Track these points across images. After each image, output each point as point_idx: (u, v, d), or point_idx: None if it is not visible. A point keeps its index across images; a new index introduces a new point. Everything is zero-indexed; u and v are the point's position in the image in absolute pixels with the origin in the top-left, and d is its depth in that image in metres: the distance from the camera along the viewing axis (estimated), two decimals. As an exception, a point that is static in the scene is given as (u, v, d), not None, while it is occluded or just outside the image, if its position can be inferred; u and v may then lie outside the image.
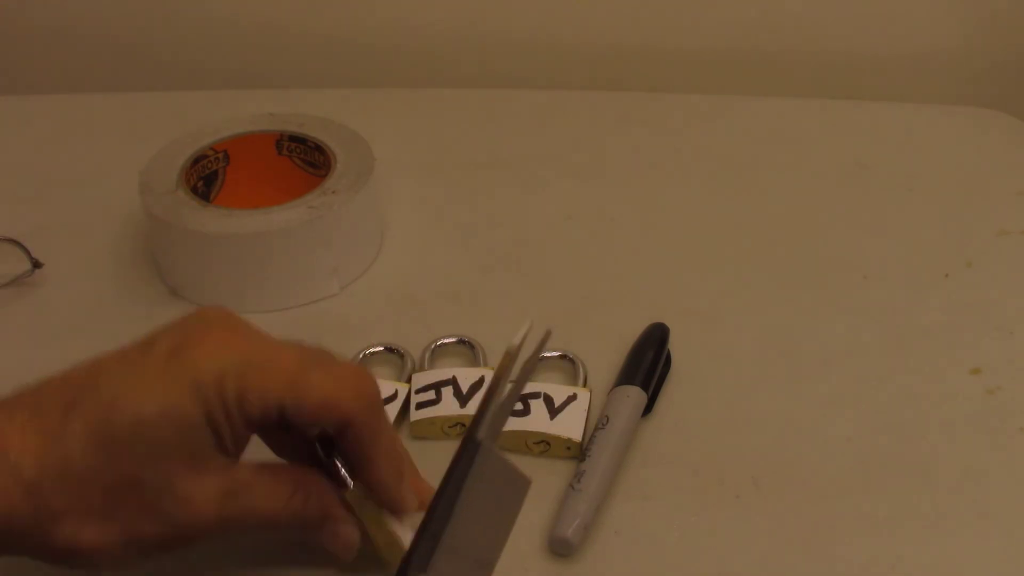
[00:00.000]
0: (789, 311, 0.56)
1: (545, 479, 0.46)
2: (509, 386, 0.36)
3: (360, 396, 0.38)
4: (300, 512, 0.38)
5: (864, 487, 0.46)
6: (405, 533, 0.39)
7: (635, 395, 0.48)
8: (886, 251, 0.61)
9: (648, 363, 0.50)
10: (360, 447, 0.38)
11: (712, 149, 0.71)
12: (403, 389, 0.49)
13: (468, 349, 0.53)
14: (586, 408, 0.48)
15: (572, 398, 0.48)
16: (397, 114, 0.75)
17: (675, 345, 0.52)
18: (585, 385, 0.50)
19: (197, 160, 0.59)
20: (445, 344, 0.53)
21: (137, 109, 0.77)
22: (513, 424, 0.47)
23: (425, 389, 0.49)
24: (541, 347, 0.37)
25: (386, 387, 0.49)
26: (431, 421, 0.48)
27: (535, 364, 0.37)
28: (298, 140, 0.61)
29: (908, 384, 0.51)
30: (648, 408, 0.49)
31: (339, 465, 0.39)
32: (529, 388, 0.49)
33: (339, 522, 0.39)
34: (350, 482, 0.39)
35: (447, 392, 0.49)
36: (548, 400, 0.48)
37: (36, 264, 0.57)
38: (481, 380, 0.49)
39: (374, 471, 0.38)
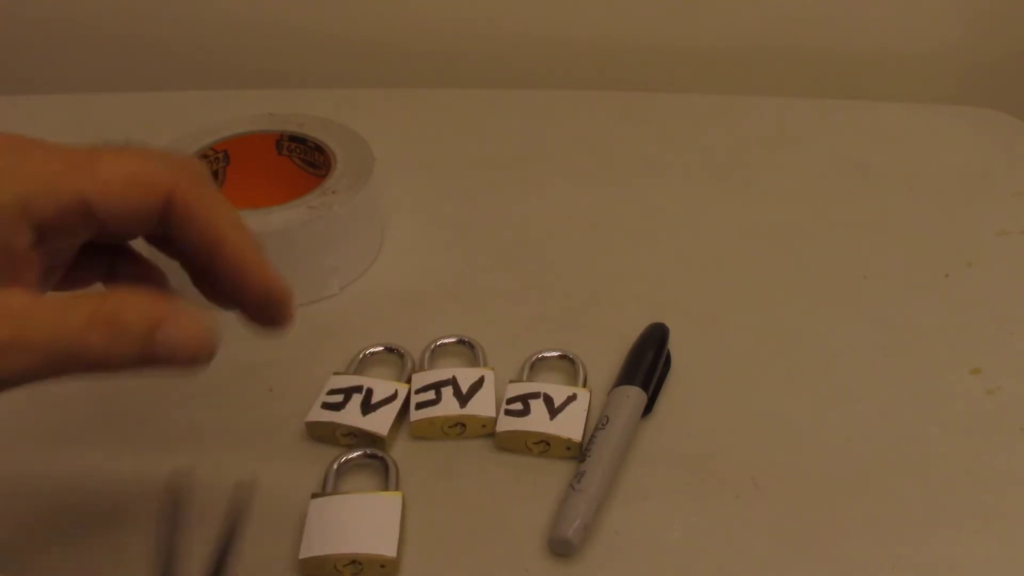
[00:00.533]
0: (789, 311, 0.56)
1: (545, 479, 0.46)
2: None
3: (173, 163, 0.32)
4: (111, 333, 0.29)
5: (864, 487, 0.46)
6: None
7: (635, 395, 0.48)
8: (886, 251, 0.61)
9: (648, 363, 0.50)
10: (197, 226, 0.32)
11: (712, 149, 0.71)
12: (403, 389, 0.49)
13: (468, 349, 0.53)
14: (586, 408, 0.48)
15: (572, 398, 0.48)
16: (397, 114, 0.75)
17: (675, 345, 0.52)
18: (585, 385, 0.50)
19: (197, 160, 0.59)
20: (445, 344, 0.53)
21: (137, 109, 0.77)
22: (513, 424, 0.47)
23: (425, 389, 0.49)
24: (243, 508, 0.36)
25: (386, 387, 0.49)
26: (431, 421, 0.48)
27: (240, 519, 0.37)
28: (298, 140, 0.61)
29: (908, 384, 0.51)
30: (648, 408, 0.49)
31: None
32: (529, 388, 0.49)
33: (175, 319, 0.30)
34: None
35: (447, 392, 0.49)
36: (548, 400, 0.48)
37: (36, 264, 0.57)
38: (481, 380, 0.49)
39: (226, 250, 0.32)
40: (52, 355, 0.28)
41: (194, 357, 0.30)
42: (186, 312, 0.30)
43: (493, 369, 0.51)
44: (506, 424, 0.47)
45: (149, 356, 0.29)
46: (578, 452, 0.47)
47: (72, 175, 0.31)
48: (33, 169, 0.30)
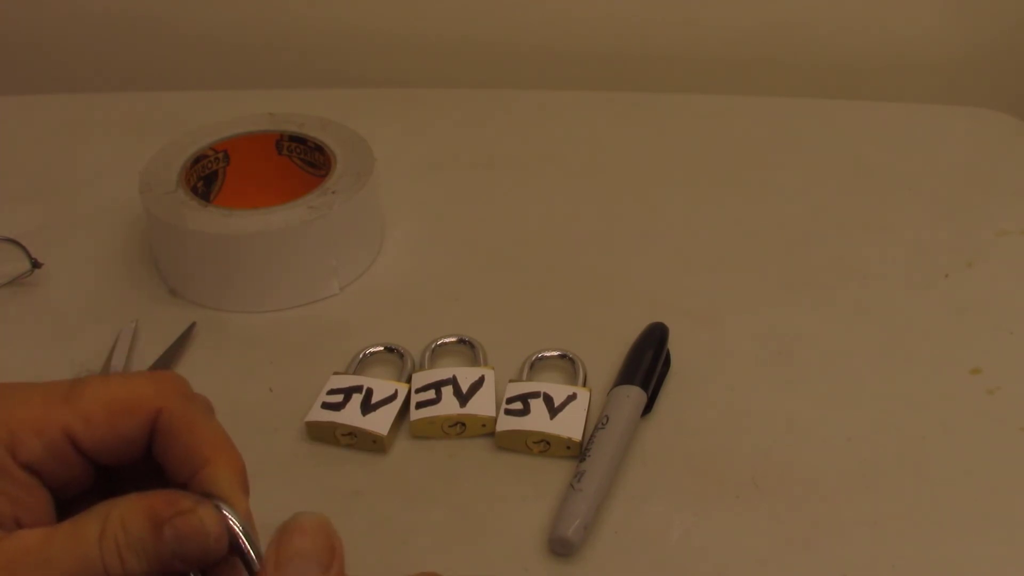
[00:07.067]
0: (789, 311, 0.56)
1: (545, 479, 0.46)
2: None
3: (158, 382, 0.32)
4: (120, 544, 0.29)
5: (864, 487, 0.46)
6: None
7: (635, 395, 0.48)
8: (886, 251, 0.61)
9: (648, 363, 0.50)
10: (181, 448, 0.31)
11: (712, 149, 0.71)
12: (403, 389, 0.49)
13: (468, 349, 0.53)
14: (586, 407, 0.48)
15: (572, 397, 0.48)
16: (397, 114, 0.75)
17: (675, 345, 0.52)
18: (585, 384, 0.50)
19: (197, 160, 0.59)
20: (445, 344, 0.53)
21: (137, 109, 0.77)
22: (513, 423, 0.47)
23: (425, 388, 0.49)
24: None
25: (386, 387, 0.49)
26: (431, 420, 0.48)
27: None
28: (298, 140, 0.61)
29: (908, 384, 0.51)
30: (648, 408, 0.49)
31: None
32: (529, 387, 0.49)
33: (175, 520, 0.29)
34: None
35: (447, 391, 0.49)
36: (548, 399, 0.48)
37: (36, 264, 0.57)
38: (481, 379, 0.49)
39: (204, 460, 0.31)
40: None
41: (204, 550, 0.30)
42: (183, 513, 0.30)
43: (493, 368, 0.51)
44: (506, 423, 0.47)
45: (162, 561, 0.29)
46: (578, 451, 0.47)
47: (54, 411, 0.31)
48: (13, 412, 0.30)
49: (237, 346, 0.54)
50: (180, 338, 0.54)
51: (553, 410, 0.48)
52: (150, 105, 0.77)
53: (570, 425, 0.47)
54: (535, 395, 0.49)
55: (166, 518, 0.29)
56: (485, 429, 0.48)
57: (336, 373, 0.51)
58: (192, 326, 0.54)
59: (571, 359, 0.52)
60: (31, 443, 0.30)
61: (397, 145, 0.70)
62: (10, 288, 0.58)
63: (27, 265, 0.57)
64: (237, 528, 0.31)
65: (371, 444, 0.47)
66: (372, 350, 0.53)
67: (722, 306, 0.56)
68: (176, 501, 0.30)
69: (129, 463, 0.33)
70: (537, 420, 0.47)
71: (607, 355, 0.52)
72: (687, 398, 0.50)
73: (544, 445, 0.47)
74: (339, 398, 0.49)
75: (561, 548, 0.42)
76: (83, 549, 0.29)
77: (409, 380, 0.50)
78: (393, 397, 0.49)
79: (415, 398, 0.49)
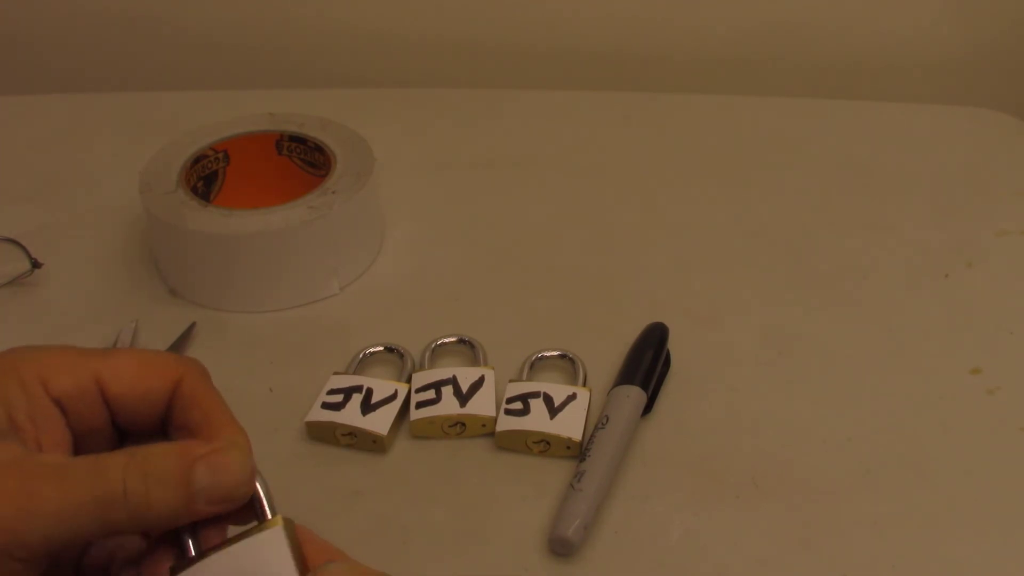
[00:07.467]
0: (789, 311, 0.56)
1: (545, 479, 0.46)
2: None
3: (180, 358, 0.35)
4: (149, 479, 0.30)
5: (864, 487, 0.46)
6: None
7: (635, 395, 0.48)
8: (886, 251, 0.61)
9: (648, 363, 0.50)
10: (198, 415, 0.34)
11: (712, 149, 0.71)
12: (403, 389, 0.49)
13: (468, 348, 0.53)
14: (586, 407, 0.48)
15: (572, 397, 0.48)
16: (397, 114, 0.75)
17: (675, 345, 0.52)
18: (585, 384, 0.50)
19: (197, 160, 0.59)
20: (445, 344, 0.53)
21: (137, 109, 0.77)
22: (513, 423, 0.47)
23: (425, 388, 0.49)
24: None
25: (386, 387, 0.49)
26: (431, 420, 0.48)
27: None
28: (298, 140, 0.61)
29: (908, 384, 0.51)
30: (648, 408, 0.49)
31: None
32: (529, 387, 0.49)
33: (208, 458, 0.31)
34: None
35: (447, 391, 0.49)
36: (548, 399, 0.48)
37: (36, 264, 0.57)
38: (481, 379, 0.49)
39: (220, 428, 0.34)
40: (97, 508, 0.30)
41: (230, 494, 0.32)
42: (218, 451, 0.32)
43: (493, 368, 0.51)
44: (506, 423, 0.47)
45: (189, 497, 0.31)
46: (578, 451, 0.47)
47: (88, 358, 0.34)
48: (51, 353, 0.34)
49: (237, 346, 0.54)
50: (180, 338, 0.54)
51: (553, 410, 0.48)
52: (150, 105, 0.77)
53: (570, 425, 0.47)
54: (535, 395, 0.49)
55: (200, 455, 0.31)
56: (485, 429, 0.48)
57: (336, 373, 0.51)
58: (192, 326, 0.54)
59: (571, 359, 0.52)
60: (63, 379, 0.33)
61: (397, 145, 0.70)
62: (10, 288, 0.58)
63: (27, 265, 0.57)
64: (258, 483, 0.33)
65: (371, 444, 0.47)
66: (372, 350, 0.53)
67: (722, 306, 0.56)
68: (210, 442, 0.32)
69: (146, 428, 0.35)
70: (537, 420, 0.47)
71: (607, 355, 0.52)
72: (687, 398, 0.50)
73: (544, 445, 0.47)
74: (339, 398, 0.49)
75: (561, 548, 0.42)
76: (105, 472, 0.30)
77: (409, 380, 0.50)
78: (393, 397, 0.49)
79: (415, 398, 0.49)
